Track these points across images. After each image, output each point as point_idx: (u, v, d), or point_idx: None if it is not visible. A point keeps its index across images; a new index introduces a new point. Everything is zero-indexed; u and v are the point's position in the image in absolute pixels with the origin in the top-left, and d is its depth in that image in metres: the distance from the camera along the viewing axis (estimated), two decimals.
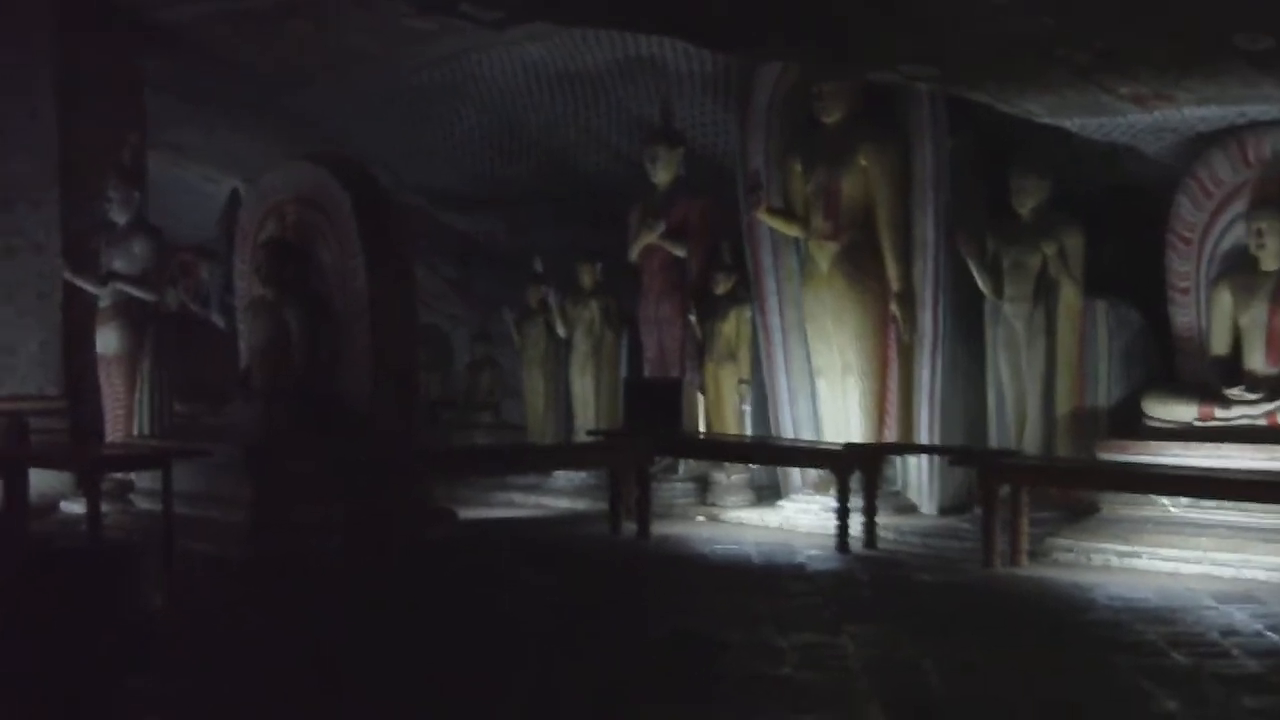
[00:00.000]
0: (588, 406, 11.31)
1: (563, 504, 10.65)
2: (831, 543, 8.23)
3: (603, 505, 9.60)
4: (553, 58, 10.96)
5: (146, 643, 4.36)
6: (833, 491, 8.51)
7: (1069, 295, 8.44)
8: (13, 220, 10.85)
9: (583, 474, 10.80)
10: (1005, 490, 7.57)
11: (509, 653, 5.59)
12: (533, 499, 10.87)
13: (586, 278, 11.31)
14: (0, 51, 10.68)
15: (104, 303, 10.64)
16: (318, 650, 5.79)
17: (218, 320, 11.06)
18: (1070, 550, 7.58)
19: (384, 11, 10.15)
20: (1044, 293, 8.50)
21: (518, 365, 12.52)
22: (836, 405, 9.39)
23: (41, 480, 9.75)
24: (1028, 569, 7.39)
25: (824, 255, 9.20)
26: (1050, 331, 8.51)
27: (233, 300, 10.68)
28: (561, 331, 11.55)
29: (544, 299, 11.73)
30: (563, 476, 10.96)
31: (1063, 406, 8.54)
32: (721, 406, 10.30)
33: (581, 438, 11.02)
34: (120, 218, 10.65)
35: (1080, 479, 7.94)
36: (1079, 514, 8.06)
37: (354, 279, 9.08)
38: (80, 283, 10.75)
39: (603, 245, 11.20)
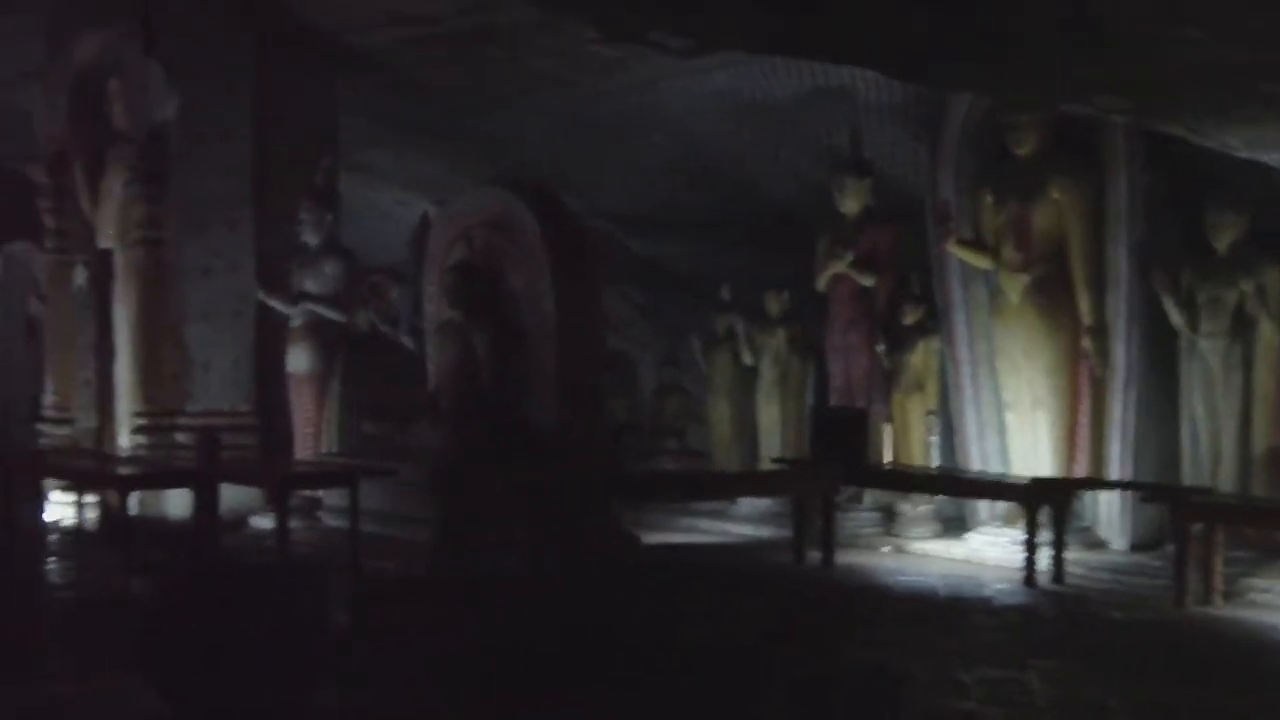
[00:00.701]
0: (773, 434, 11.57)
1: (746, 531, 10.93)
2: (1018, 577, 8.39)
3: (787, 534, 9.86)
4: (740, 86, 11.23)
5: (333, 659, 4.47)
6: (1020, 525, 8.68)
7: (1267, 332, 8.50)
8: (209, 241, 11.37)
9: (767, 501, 11.02)
10: (1199, 528, 7.67)
11: (692, 680, 5.83)
12: (717, 525, 11.14)
13: (774, 306, 11.60)
14: (200, 77, 11.24)
15: (295, 322, 11.10)
16: (500, 670, 6.08)
17: (406, 341, 11.61)
18: (1267, 591, 7.65)
19: (573, 38, 10.49)
20: (1240, 329, 8.57)
21: (704, 392, 12.84)
22: (1025, 439, 9.55)
23: (232, 495, 10.14)
24: (1221, 609, 7.46)
25: (1014, 287, 9.41)
26: (1247, 367, 8.58)
27: (421, 322, 11.15)
28: (748, 359, 11.86)
29: (731, 326, 12.06)
30: (747, 504, 11.18)
31: (1259, 444, 8.57)
32: (908, 437, 10.49)
33: (766, 465, 11.23)
34: (313, 239, 11.13)
35: (1277, 519, 7.92)
36: (1276, 554, 8.05)
37: (542, 303, 9.44)
38: (273, 303, 11.25)
39: (790, 273, 11.38)
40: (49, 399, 12.89)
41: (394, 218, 15.15)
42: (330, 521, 10.23)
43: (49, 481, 11.63)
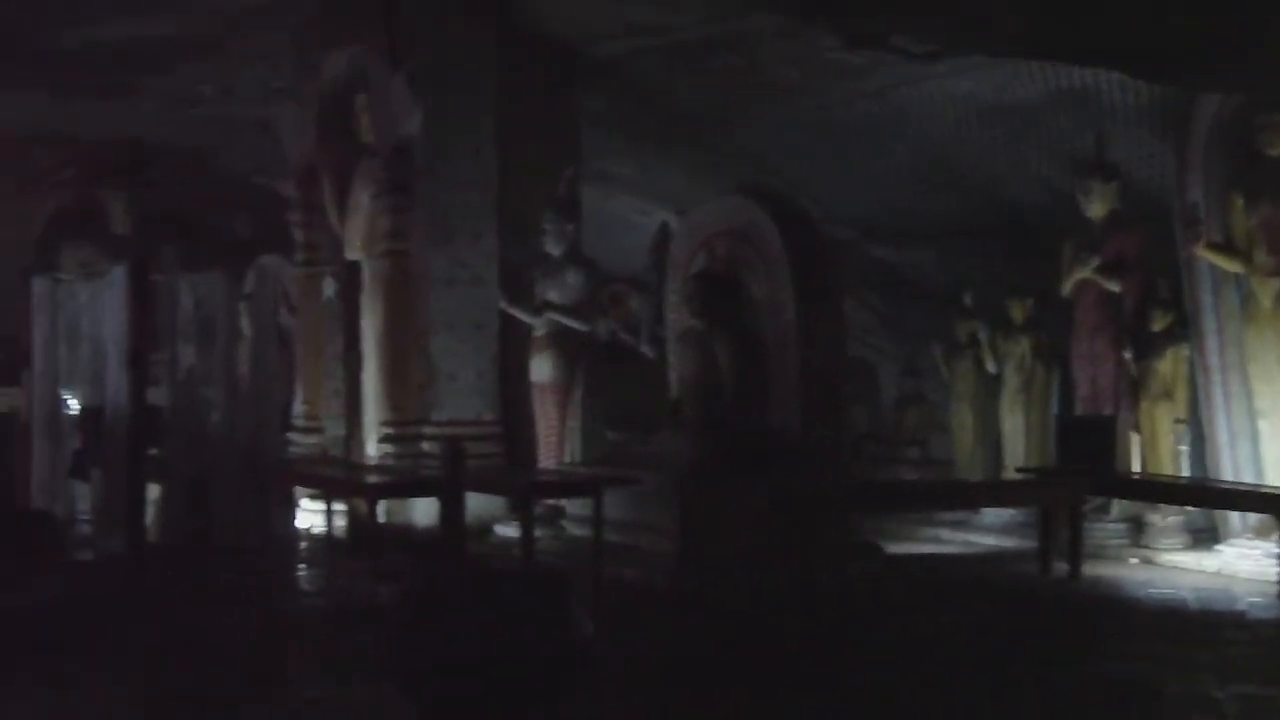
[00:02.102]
0: (1017, 443, 11.94)
1: (990, 541, 11.32)
2: (1273, 591, 8.63)
3: (1032, 544, 10.21)
4: (983, 90, 11.61)
5: (580, 668, 4.35)
6: (1275, 538, 9.00)
7: None
8: (454, 252, 12.10)
9: (1011, 511, 11.37)
10: None
11: (939, 691, 6.15)
12: (960, 536, 11.57)
13: (1018, 312, 11.98)
14: (445, 91, 11.97)
15: (538, 332, 11.75)
16: (748, 679, 6.50)
17: (647, 350, 12.24)
18: None
19: (813, 45, 11.01)
20: None
21: (946, 400, 13.20)
22: (1279, 447, 9.80)
23: (477, 504, 10.63)
24: None
25: (1267, 292, 9.71)
26: None
27: (662, 331, 11.77)
28: (991, 367, 12.27)
29: (974, 334, 12.45)
30: (991, 514, 11.56)
31: None
32: (1157, 446, 10.78)
33: (1010, 475, 11.62)
34: (555, 249, 11.76)
35: None
36: None
37: (784, 312, 9.96)
38: (516, 312, 11.97)
39: (1034, 279, 11.74)
40: (299, 408, 13.69)
41: (634, 227, 15.69)
42: (574, 530, 10.65)
43: (299, 489, 12.24)
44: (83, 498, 11.93)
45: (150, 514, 11.11)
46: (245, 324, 12.54)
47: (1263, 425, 9.99)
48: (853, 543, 9.98)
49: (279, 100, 14.03)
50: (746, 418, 10.12)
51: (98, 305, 11.77)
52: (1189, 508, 10.53)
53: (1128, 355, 11.00)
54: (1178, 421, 10.81)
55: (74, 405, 12.12)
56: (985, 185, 12.95)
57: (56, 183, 17.19)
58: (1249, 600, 8.57)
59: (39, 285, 12.48)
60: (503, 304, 12.15)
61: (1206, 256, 10.17)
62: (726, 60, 11.82)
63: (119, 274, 11.20)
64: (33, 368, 12.42)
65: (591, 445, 11.56)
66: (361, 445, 12.76)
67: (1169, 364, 10.78)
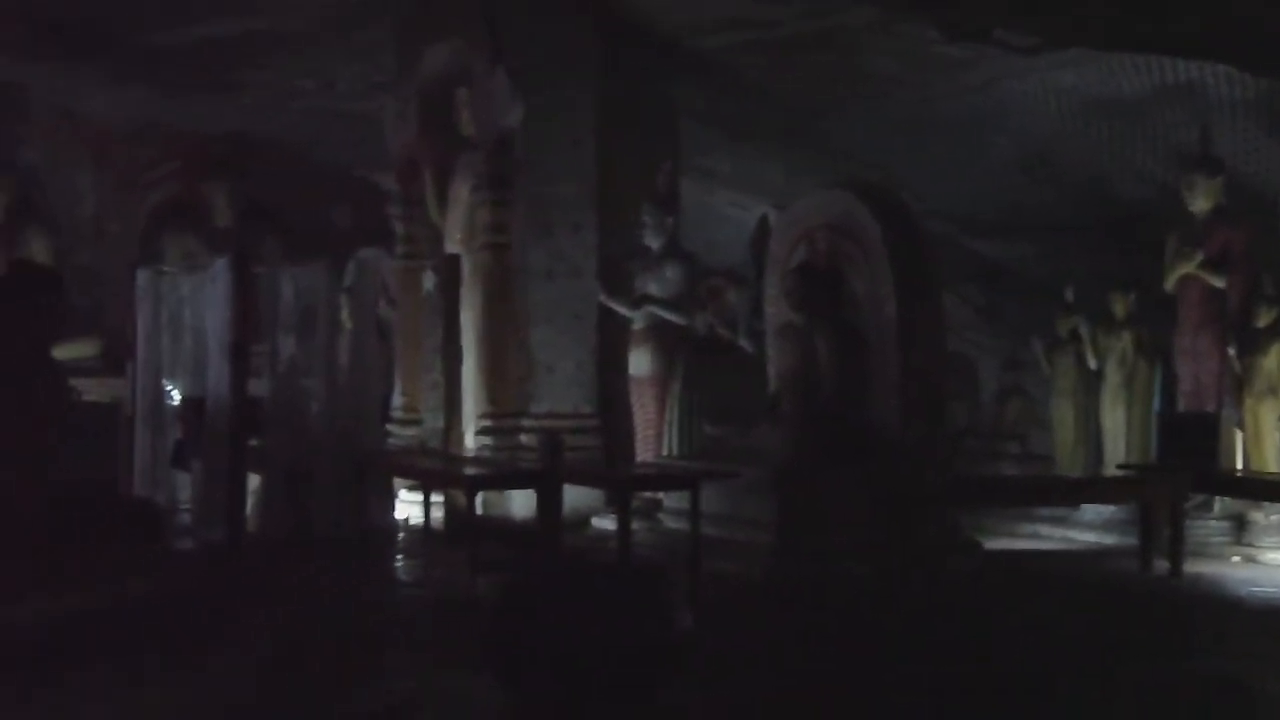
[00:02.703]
0: (1118, 439, 11.90)
1: (1090, 539, 11.29)
2: None
3: (1132, 541, 10.18)
4: (1087, 84, 11.60)
5: (679, 661, 4.33)
6: None
7: None
8: (553, 245, 12.29)
9: (1112, 508, 11.31)
10: None
11: (1038, 689, 6.16)
12: (1059, 532, 11.52)
13: (1119, 307, 11.96)
14: (545, 84, 12.13)
15: (637, 325, 11.90)
16: (842, 673, 6.55)
17: (745, 344, 12.30)
18: None
19: (914, 39, 11.04)
20: None
21: (1046, 396, 13.16)
22: None
23: (574, 496, 10.82)
24: None
25: None
26: None
27: (760, 325, 11.82)
28: (1092, 363, 12.24)
29: (1075, 329, 12.42)
30: (1091, 510, 11.51)
31: None
32: (1261, 443, 10.74)
33: (1111, 471, 11.60)
34: (654, 243, 11.92)
35: None
36: None
37: (884, 306, 9.98)
38: (614, 305, 12.14)
39: (1137, 274, 11.72)
40: (398, 400, 13.92)
41: (731, 220, 15.81)
42: (670, 523, 10.70)
43: (398, 481, 12.42)
44: (183, 487, 12.11)
45: (250, 504, 11.26)
46: (345, 316, 12.71)
47: None
48: (951, 538, 9.99)
49: (380, 94, 14.23)
50: (845, 412, 10.13)
51: (200, 297, 11.98)
52: None
53: (1231, 351, 10.98)
54: None
55: (176, 396, 12.32)
56: (1088, 179, 12.93)
57: (160, 176, 17.50)
58: None
59: (142, 277, 12.71)
60: (601, 297, 12.30)
61: None
62: (827, 54, 11.87)
63: (221, 266, 11.38)
64: (136, 359, 12.64)
65: (689, 439, 11.61)
66: (460, 437, 12.84)
67: (1273, 360, 10.74)
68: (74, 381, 10.82)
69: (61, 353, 8.61)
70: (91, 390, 13.02)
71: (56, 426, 8.12)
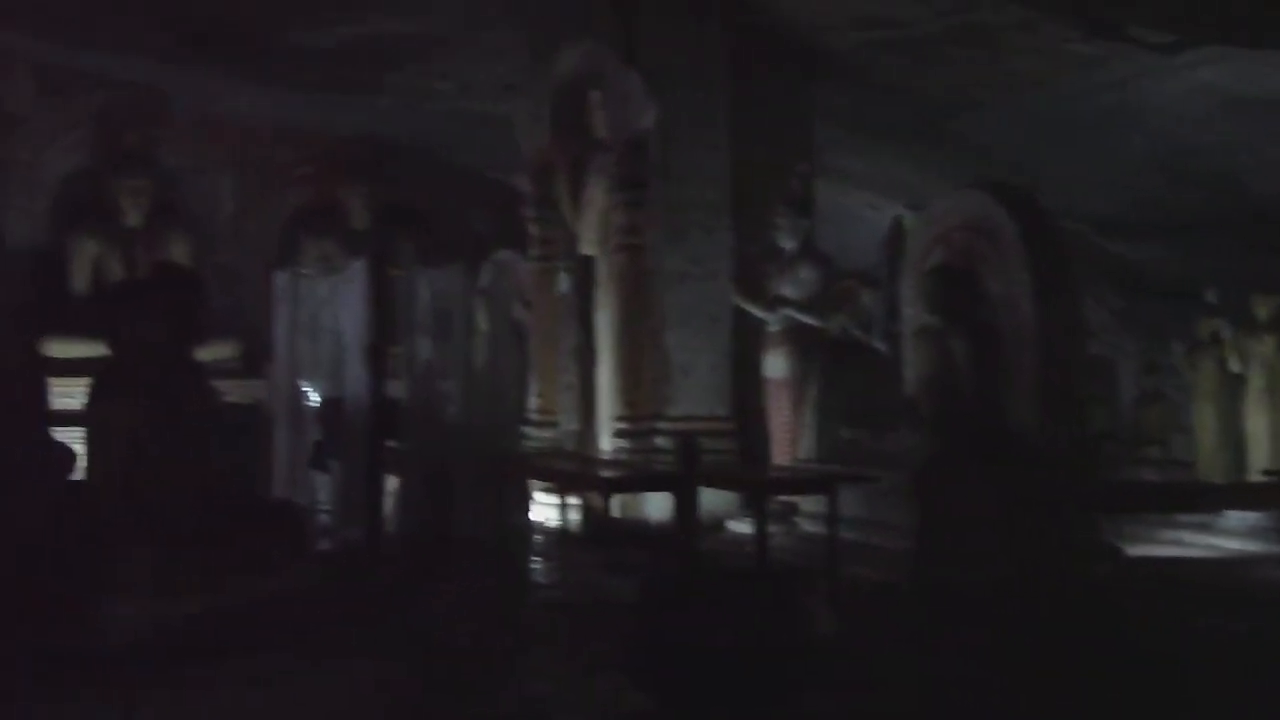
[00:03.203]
0: (1261, 444, 11.78)
1: (1234, 546, 11.05)
2: None
3: (1278, 549, 10.11)
4: (1226, 81, 11.42)
5: (817, 664, 4.59)
6: None
7: None
8: (687, 247, 12.35)
9: (1257, 515, 11.16)
10: None
11: (1186, 698, 6.15)
12: (1202, 539, 11.30)
13: (1263, 310, 11.85)
14: (679, 86, 12.24)
15: (772, 328, 11.96)
16: (983, 679, 6.57)
17: (879, 346, 12.29)
18: None
19: (1052, 36, 10.96)
20: None
21: (1187, 400, 13.02)
22: None
23: (710, 499, 10.81)
24: None
25: None
26: None
27: (894, 327, 11.66)
28: (1235, 366, 12.10)
29: (1217, 331, 12.29)
30: (1235, 517, 11.32)
31: None
32: None
33: (1256, 476, 11.47)
34: (789, 244, 11.98)
35: None
36: None
37: (1021, 307, 9.86)
38: (749, 308, 12.19)
39: (1277, 275, 11.62)
40: (533, 402, 14.04)
41: (865, 221, 15.79)
42: (807, 527, 10.76)
43: (534, 483, 12.48)
44: (322, 489, 12.33)
45: (388, 505, 11.43)
46: (481, 318, 12.84)
47: None
48: (1092, 544, 9.83)
49: (514, 96, 14.38)
50: (984, 415, 10.03)
51: (337, 299, 12.18)
52: None
53: None
54: None
55: (314, 397, 12.52)
56: (1228, 178, 12.77)
57: (298, 179, 17.82)
58: None
59: (281, 279, 12.92)
60: (736, 299, 12.35)
61: None
62: (963, 53, 11.83)
63: (358, 268, 11.58)
64: (275, 360, 12.88)
65: (825, 442, 11.64)
66: (595, 440, 13.04)
67: None
68: (214, 383, 11.05)
69: (201, 354, 8.80)
70: (231, 392, 13.24)
71: (203, 428, 8.30)
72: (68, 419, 10.36)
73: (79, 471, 8.65)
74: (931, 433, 10.10)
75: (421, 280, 12.10)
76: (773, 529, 10.16)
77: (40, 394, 9.07)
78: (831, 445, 11.55)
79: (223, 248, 17.24)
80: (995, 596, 8.53)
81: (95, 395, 8.09)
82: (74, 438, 8.44)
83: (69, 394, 11.79)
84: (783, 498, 11.04)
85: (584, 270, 13.16)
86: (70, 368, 12.35)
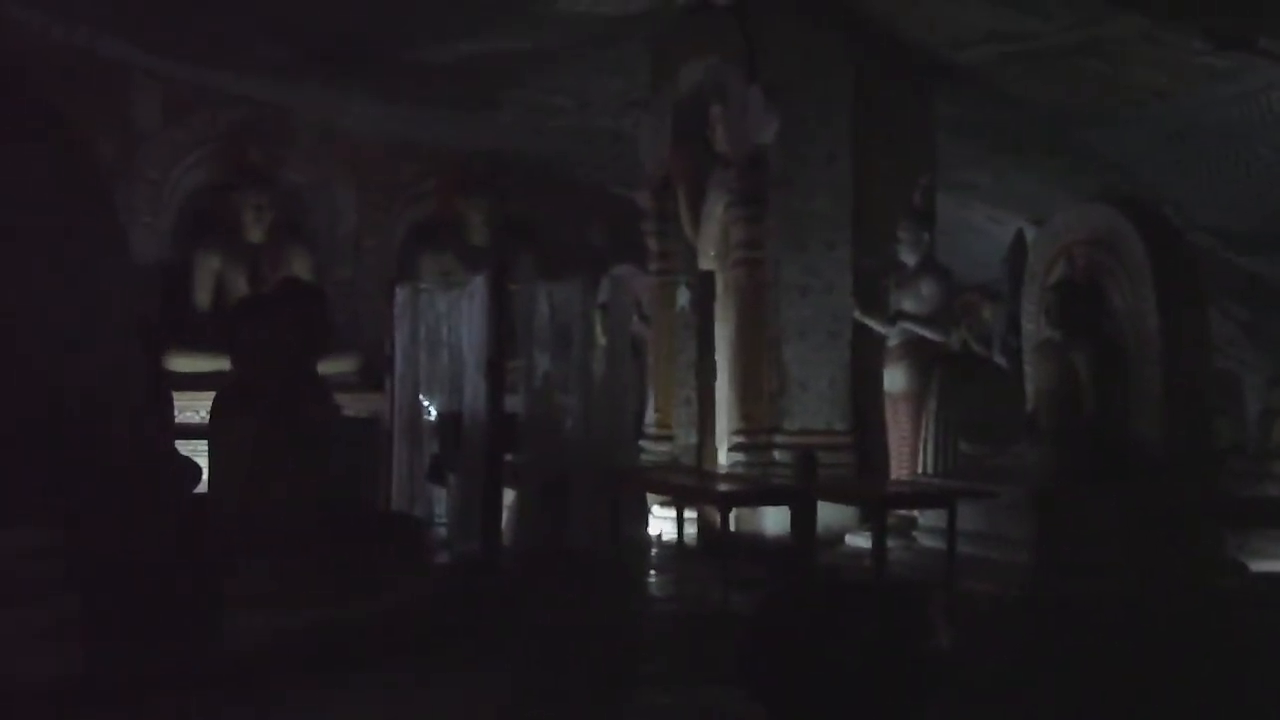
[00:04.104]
0: None
1: None
2: None
3: None
4: None
5: (936, 682, 4.15)
6: None
7: None
8: (808, 260, 12.39)
9: None
10: None
11: None
12: None
13: None
14: (800, 100, 12.32)
15: (892, 342, 11.97)
16: (1103, 695, 6.60)
17: (1000, 361, 12.32)
18: None
19: (1179, 48, 10.90)
20: None
21: None
22: None
23: (828, 513, 11.00)
24: None
25: None
26: None
27: (1015, 341, 11.78)
28: None
29: None
30: None
31: None
32: None
33: None
34: (910, 258, 11.98)
35: None
36: None
37: (1145, 321, 10.00)
38: (869, 322, 12.21)
39: None
40: (651, 416, 14.13)
41: (986, 235, 15.73)
42: (926, 541, 10.75)
43: (651, 496, 12.65)
44: (439, 502, 12.55)
45: (505, 519, 11.61)
46: (600, 332, 13.01)
47: None
48: (1216, 559, 9.91)
49: (634, 111, 14.52)
50: (1106, 429, 10.15)
51: (456, 313, 12.39)
52: None
53: None
54: None
55: (433, 411, 12.73)
56: None
57: (418, 194, 18.09)
58: None
59: (401, 294, 13.17)
60: (856, 313, 12.38)
61: None
62: (1088, 65, 11.76)
63: (478, 283, 11.76)
64: (394, 374, 13.11)
65: (945, 456, 11.58)
66: (713, 453, 13.09)
67: None
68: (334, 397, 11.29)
69: (321, 368, 9.02)
70: (350, 405, 13.49)
71: (324, 442, 8.49)
72: (191, 433, 10.66)
73: (203, 485, 8.88)
74: (1053, 447, 10.26)
75: (540, 294, 12.29)
76: (891, 543, 10.16)
77: (166, 409, 9.33)
78: (951, 460, 11.50)
79: (343, 263, 17.52)
80: (1117, 611, 8.60)
81: (219, 409, 8.28)
82: (198, 451, 8.66)
83: (192, 408, 12.16)
84: (902, 512, 11.05)
85: (703, 284, 13.23)
86: (193, 382, 12.71)
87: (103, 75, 15.28)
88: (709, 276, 13.21)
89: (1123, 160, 13.34)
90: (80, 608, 6.43)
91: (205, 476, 8.73)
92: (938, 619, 4.46)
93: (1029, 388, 11.02)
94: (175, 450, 9.24)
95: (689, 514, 12.19)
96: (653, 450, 13.95)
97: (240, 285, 16.47)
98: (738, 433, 12.59)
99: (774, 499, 11.08)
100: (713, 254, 13.29)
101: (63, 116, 8.06)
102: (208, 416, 8.31)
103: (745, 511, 11.55)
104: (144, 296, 12.90)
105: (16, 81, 8.01)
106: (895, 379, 12.00)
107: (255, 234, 16.96)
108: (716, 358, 13.02)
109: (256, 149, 17.09)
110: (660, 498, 12.75)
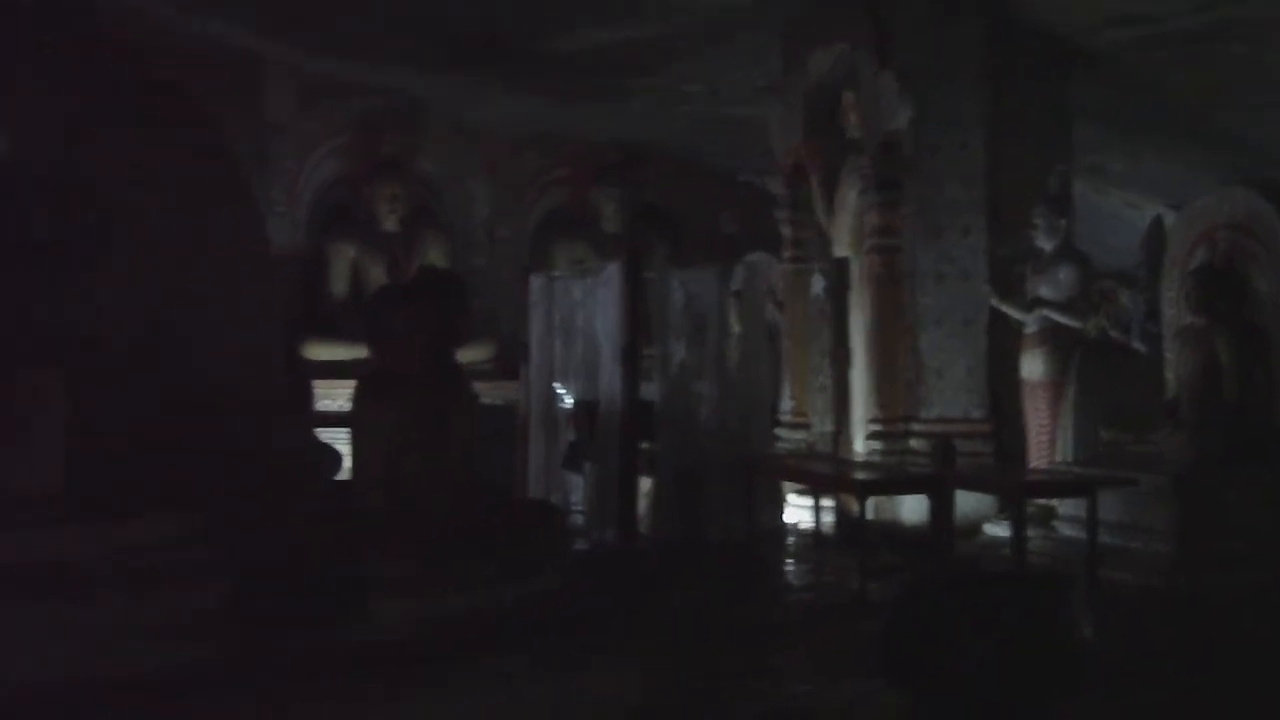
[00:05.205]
0: None
1: None
2: None
3: None
4: None
5: (1078, 673, 4.31)
6: None
7: None
8: (943, 247, 12.39)
9: None
10: None
11: None
12: None
13: None
14: (933, 85, 12.33)
15: (1029, 329, 11.96)
16: (1247, 687, 6.63)
17: (1139, 347, 12.30)
18: None
19: None
20: None
21: None
22: None
23: (965, 502, 11.07)
24: None
25: None
26: None
27: (1154, 327, 11.79)
28: None
29: None
30: None
31: None
32: None
33: None
34: (1046, 245, 11.96)
35: None
36: None
37: None
38: (1006, 309, 12.20)
39: None
40: (786, 404, 14.19)
41: (1122, 220, 15.64)
42: (1065, 531, 10.74)
43: (787, 484, 12.82)
44: (575, 490, 12.72)
45: (641, 507, 11.75)
46: (734, 320, 13.11)
47: None
48: None
49: (765, 98, 14.55)
50: (1249, 416, 10.11)
51: (591, 301, 12.54)
52: None
53: None
54: None
55: (568, 399, 12.90)
56: None
57: (550, 183, 18.29)
58: None
59: (536, 282, 13.37)
60: (993, 300, 12.36)
61: None
62: (1227, 48, 11.71)
63: (612, 271, 11.90)
64: (529, 362, 13.30)
65: (1084, 444, 11.57)
66: (849, 442, 13.12)
67: None
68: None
69: (459, 356, 9.20)
70: (485, 393, 13.71)
71: (464, 429, 8.65)
72: (331, 420, 10.90)
73: (345, 472, 9.08)
74: (1194, 433, 10.24)
75: (674, 283, 12.42)
76: (1030, 533, 10.13)
77: (306, 397, 9.57)
78: (1090, 447, 11.49)
79: (477, 252, 17.76)
80: (1263, 601, 8.57)
81: (360, 397, 8.48)
82: (335, 438, 8.86)
83: (329, 396, 12.42)
84: (1040, 501, 10.98)
85: (838, 271, 13.22)
86: (329, 371, 12.97)
87: (236, 67, 15.54)
88: (843, 263, 13.22)
89: (1262, 144, 13.23)
90: (225, 594, 6.63)
91: (347, 464, 8.94)
92: (1080, 610, 4.56)
93: (1169, 374, 10.99)
94: (316, 438, 9.48)
95: (825, 502, 12.25)
96: (788, 438, 14.01)
97: (376, 274, 16.73)
98: (874, 421, 12.64)
99: (912, 487, 11.05)
100: (847, 241, 13.33)
101: (201, 108, 8.28)
102: (343, 404, 8.47)
103: (882, 500, 11.58)
104: (282, 286, 13.15)
105: (157, 75, 8.25)
106: (1033, 366, 11.98)
107: (390, 223, 17.24)
108: (852, 345, 13.05)
109: (389, 139, 17.32)
110: (796, 486, 12.84)
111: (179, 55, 12.88)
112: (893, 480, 11.22)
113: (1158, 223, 12.53)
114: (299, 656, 6.48)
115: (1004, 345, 12.36)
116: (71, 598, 6.30)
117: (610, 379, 11.71)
